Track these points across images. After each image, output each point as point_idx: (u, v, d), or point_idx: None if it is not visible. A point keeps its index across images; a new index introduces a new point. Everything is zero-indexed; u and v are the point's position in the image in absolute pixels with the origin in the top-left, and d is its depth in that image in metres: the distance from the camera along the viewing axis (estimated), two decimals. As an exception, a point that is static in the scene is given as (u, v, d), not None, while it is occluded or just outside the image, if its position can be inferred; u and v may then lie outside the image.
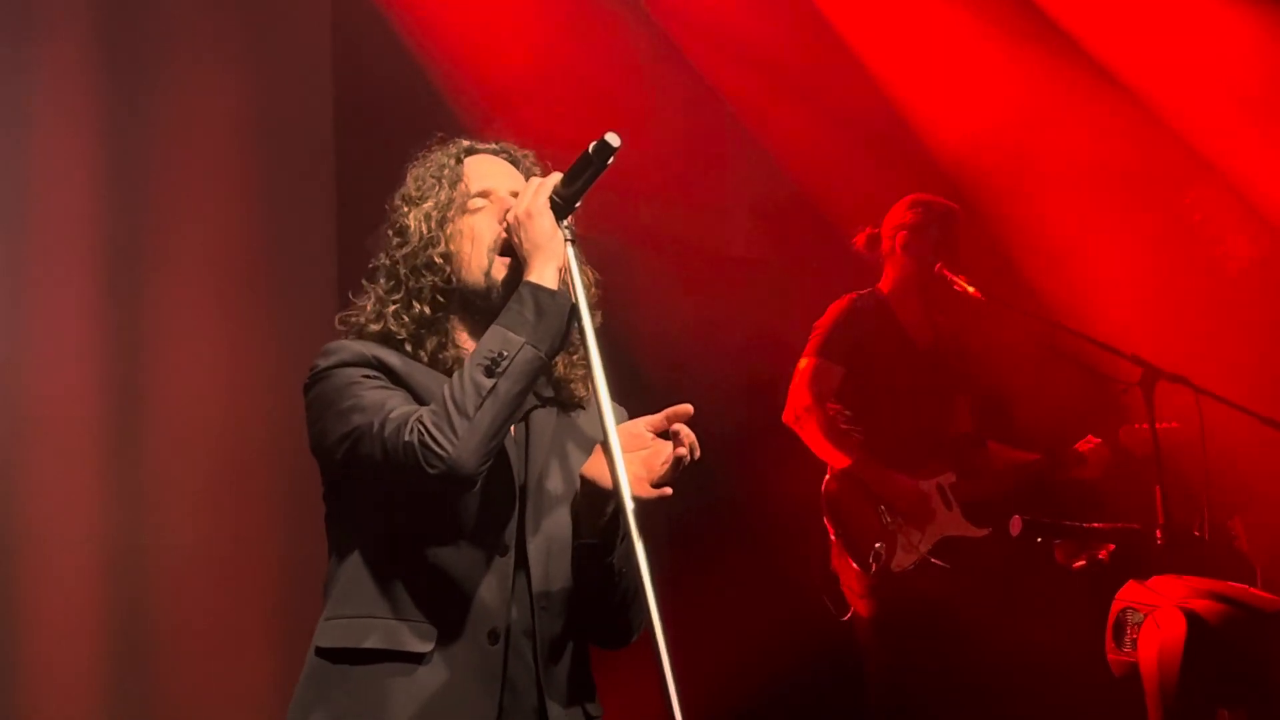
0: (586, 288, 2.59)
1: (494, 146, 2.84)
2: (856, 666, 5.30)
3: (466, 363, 2.55)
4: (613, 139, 2.56)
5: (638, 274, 5.66)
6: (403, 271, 2.70)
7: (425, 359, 2.68)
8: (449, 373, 2.64)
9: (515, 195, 2.70)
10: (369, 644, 2.59)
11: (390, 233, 2.75)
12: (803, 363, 5.38)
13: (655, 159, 5.58)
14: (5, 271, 4.96)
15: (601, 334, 2.56)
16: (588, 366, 2.57)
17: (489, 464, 2.53)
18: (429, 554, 2.61)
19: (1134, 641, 4.56)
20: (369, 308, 2.73)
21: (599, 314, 2.64)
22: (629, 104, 5.72)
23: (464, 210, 2.73)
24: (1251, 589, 4.71)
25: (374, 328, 2.70)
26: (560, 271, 2.59)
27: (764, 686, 5.60)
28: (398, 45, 5.65)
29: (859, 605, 5.23)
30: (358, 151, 5.47)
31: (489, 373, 2.51)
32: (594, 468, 2.57)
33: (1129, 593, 4.66)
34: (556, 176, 2.64)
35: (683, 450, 2.53)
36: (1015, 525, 4.94)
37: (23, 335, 4.97)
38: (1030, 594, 5.19)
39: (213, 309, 5.25)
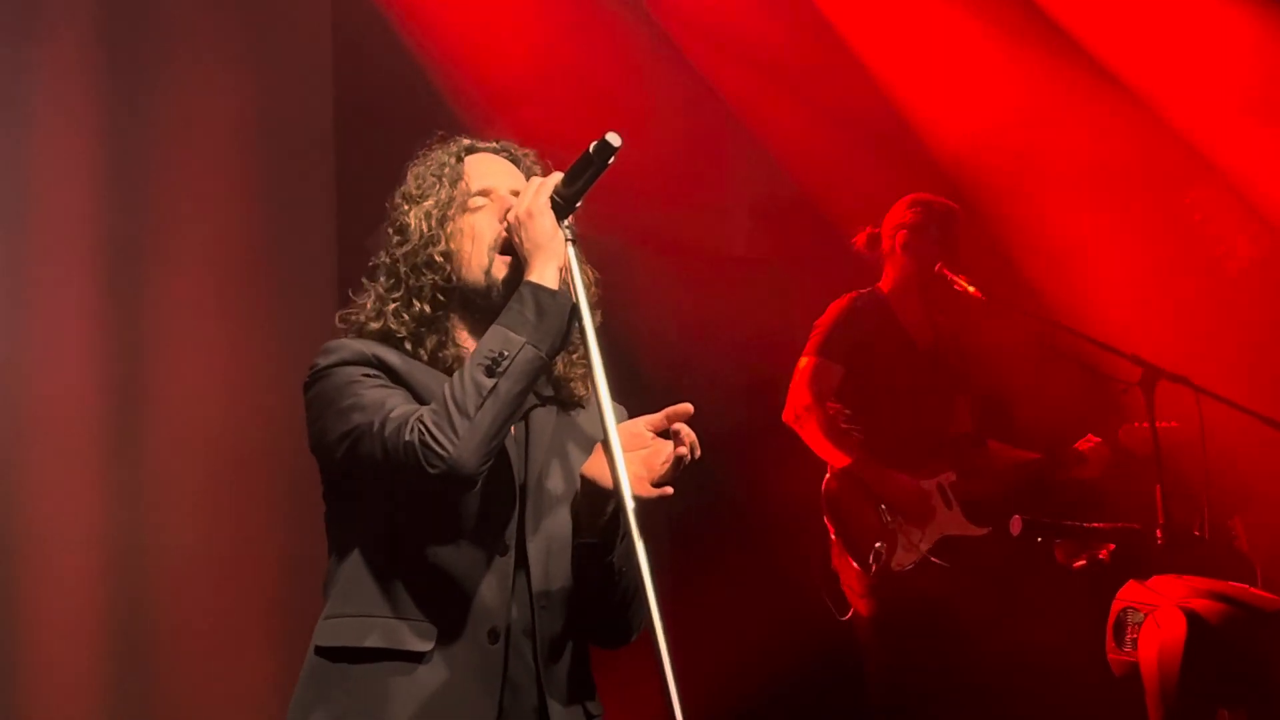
0: (587, 287, 2.58)
1: (495, 145, 2.83)
2: (856, 666, 5.30)
3: (467, 362, 2.55)
4: (613, 139, 2.56)
5: (638, 274, 5.66)
6: (403, 270, 2.70)
7: (425, 357, 2.68)
8: (449, 371, 2.64)
9: (516, 194, 2.70)
10: (369, 643, 2.59)
11: (390, 231, 2.75)
12: (803, 362, 5.38)
13: (655, 159, 5.56)
14: (5, 271, 4.96)
15: (601, 333, 2.55)
16: (588, 366, 2.56)
17: (489, 464, 2.53)
18: (429, 553, 2.61)
19: (1134, 641, 4.56)
20: (369, 306, 2.72)
21: (599, 313, 2.64)
22: (629, 104, 5.71)
23: (464, 209, 2.73)
24: (1251, 589, 4.71)
25: (374, 326, 2.70)
26: (561, 271, 2.58)
27: (764, 686, 5.60)
28: (398, 45, 5.65)
29: (859, 604, 5.23)
30: (358, 151, 5.46)
31: (490, 372, 2.51)
32: (594, 467, 2.57)
33: (1129, 592, 4.66)
34: (557, 176, 2.63)
35: (683, 449, 2.53)
36: (1015, 525, 4.94)
37: (23, 335, 4.97)
38: (1030, 594, 5.19)
39: (213, 309, 5.25)
